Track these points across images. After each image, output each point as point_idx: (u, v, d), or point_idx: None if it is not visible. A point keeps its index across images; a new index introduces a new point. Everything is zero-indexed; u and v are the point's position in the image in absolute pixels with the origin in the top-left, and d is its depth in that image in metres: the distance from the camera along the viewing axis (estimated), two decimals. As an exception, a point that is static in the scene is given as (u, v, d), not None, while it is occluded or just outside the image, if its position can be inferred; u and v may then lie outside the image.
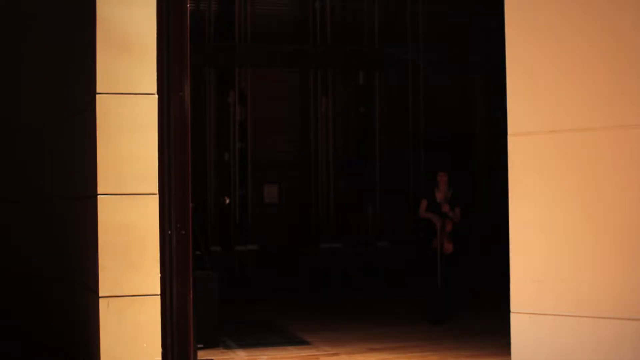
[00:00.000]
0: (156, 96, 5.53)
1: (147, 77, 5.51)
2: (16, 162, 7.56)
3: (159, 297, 5.50)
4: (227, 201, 12.16)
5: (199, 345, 6.77)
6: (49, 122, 6.93)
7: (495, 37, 6.58)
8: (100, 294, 5.35)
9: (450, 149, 12.24)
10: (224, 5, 12.19)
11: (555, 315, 5.38)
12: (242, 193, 12.26)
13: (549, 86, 5.43)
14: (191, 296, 5.78)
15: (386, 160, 12.52)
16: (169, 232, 5.71)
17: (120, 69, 5.45)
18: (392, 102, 12.57)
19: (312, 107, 12.51)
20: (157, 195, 5.52)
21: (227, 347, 7.49)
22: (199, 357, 6.54)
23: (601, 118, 5.22)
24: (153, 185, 5.51)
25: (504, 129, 5.64)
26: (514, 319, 5.53)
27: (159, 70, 5.56)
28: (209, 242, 11.14)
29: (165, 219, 5.67)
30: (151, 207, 5.50)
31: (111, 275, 5.37)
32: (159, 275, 5.50)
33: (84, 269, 5.91)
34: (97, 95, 5.43)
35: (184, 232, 5.75)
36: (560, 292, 5.36)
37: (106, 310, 5.35)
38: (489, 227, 12.68)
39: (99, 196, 5.39)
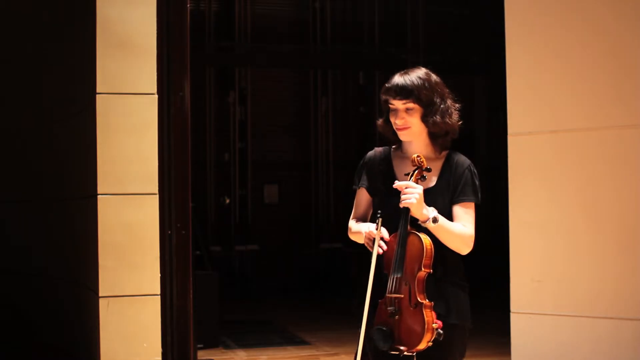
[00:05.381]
0: (156, 96, 5.53)
1: (147, 77, 5.51)
2: (16, 162, 7.56)
3: (159, 297, 5.50)
4: (227, 201, 12.16)
5: (199, 345, 6.77)
6: (49, 122, 6.93)
7: (495, 37, 6.59)
8: (100, 294, 5.35)
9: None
10: (224, 5, 12.20)
11: (555, 315, 5.38)
12: (242, 193, 12.26)
13: (549, 86, 5.43)
14: (191, 296, 5.78)
15: (386, 160, 12.50)
16: (169, 232, 5.71)
17: (120, 69, 5.45)
18: (392, 102, 12.56)
19: (312, 107, 12.51)
20: (157, 195, 5.52)
21: (227, 347, 7.49)
22: (199, 357, 6.55)
23: (601, 118, 5.22)
24: (153, 185, 5.51)
25: (504, 129, 5.64)
26: (514, 319, 5.53)
27: (159, 70, 5.56)
28: (209, 242, 11.14)
29: (165, 219, 5.67)
30: (151, 207, 5.50)
31: (111, 275, 5.38)
32: (159, 275, 5.51)
33: (84, 269, 5.91)
34: (97, 95, 5.43)
35: (184, 232, 5.75)
36: (560, 292, 5.36)
37: (106, 310, 5.35)
38: (488, 227, 12.69)
39: (99, 196, 5.39)
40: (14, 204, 7.56)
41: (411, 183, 3.02)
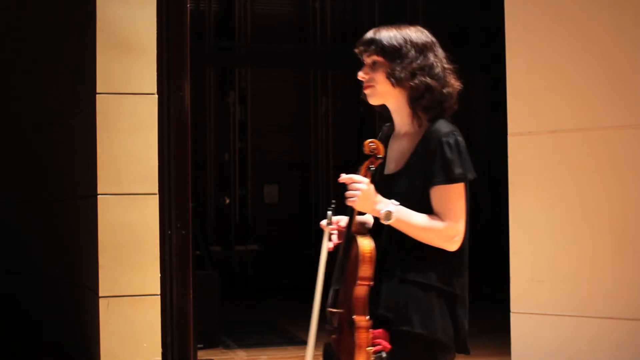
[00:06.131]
0: (156, 96, 5.53)
1: (147, 77, 5.50)
2: (16, 163, 7.56)
3: (159, 297, 5.50)
4: (227, 201, 12.16)
5: (199, 345, 6.77)
6: (48, 122, 6.94)
7: (495, 37, 6.58)
8: (100, 294, 5.34)
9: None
10: (224, 5, 12.20)
11: (555, 315, 5.38)
12: (242, 193, 12.26)
13: (549, 86, 5.43)
14: (191, 296, 5.78)
15: (386, 160, 12.51)
16: (169, 232, 5.71)
17: (120, 69, 5.45)
18: (392, 102, 12.57)
19: (312, 107, 12.51)
20: (157, 195, 5.52)
21: (227, 347, 7.49)
22: (199, 357, 6.54)
23: (601, 118, 5.22)
24: (153, 185, 5.51)
25: (504, 129, 5.64)
26: (514, 319, 5.53)
27: (159, 70, 5.56)
28: (209, 242, 11.13)
29: (165, 219, 5.67)
30: (151, 207, 5.50)
31: (111, 275, 5.37)
32: (159, 275, 5.51)
33: (84, 269, 5.91)
34: (97, 95, 5.43)
35: (184, 232, 5.75)
36: (560, 292, 5.36)
37: (106, 310, 5.35)
38: (488, 227, 12.68)
39: (99, 196, 5.39)
40: (14, 204, 7.56)
41: (355, 177, 2.56)
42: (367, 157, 2.61)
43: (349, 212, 2.60)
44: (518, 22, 5.55)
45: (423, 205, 2.57)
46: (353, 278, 2.52)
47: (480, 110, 12.88)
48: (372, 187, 2.55)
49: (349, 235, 2.59)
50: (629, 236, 5.13)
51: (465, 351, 2.64)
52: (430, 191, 2.56)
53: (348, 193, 2.56)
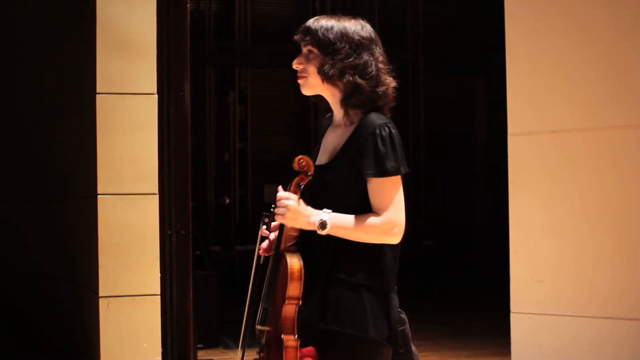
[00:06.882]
0: (156, 96, 5.53)
1: (147, 77, 5.50)
2: (16, 163, 7.56)
3: (159, 297, 5.50)
4: (227, 201, 12.17)
5: (199, 345, 6.77)
6: (48, 122, 6.94)
7: (496, 37, 6.58)
8: (100, 294, 5.35)
9: (450, 149, 12.25)
10: (224, 5, 12.20)
11: (555, 315, 5.38)
12: (242, 193, 12.27)
13: (549, 86, 5.43)
14: (191, 296, 5.78)
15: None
16: (169, 232, 5.71)
17: (120, 69, 5.45)
18: (392, 102, 12.56)
19: (312, 107, 12.51)
20: (157, 195, 5.52)
21: (227, 347, 7.48)
22: (199, 357, 6.54)
23: (601, 118, 5.22)
24: (153, 185, 5.51)
25: (504, 129, 5.64)
26: (514, 319, 5.53)
27: (159, 70, 5.56)
28: (209, 242, 11.14)
29: (165, 219, 5.67)
30: (151, 207, 5.50)
31: (111, 275, 5.38)
32: (159, 275, 5.51)
33: (84, 269, 5.91)
34: (97, 95, 5.43)
35: (184, 232, 5.75)
36: (561, 292, 5.36)
37: (106, 310, 5.35)
38: (488, 227, 12.68)
39: (99, 196, 5.39)
40: (14, 204, 7.56)
41: (284, 193, 2.56)
42: (297, 173, 2.56)
43: (279, 229, 2.58)
44: (518, 22, 5.54)
45: (350, 199, 2.54)
46: (282, 297, 2.49)
47: (480, 110, 12.87)
48: (302, 203, 2.54)
49: (277, 253, 2.55)
50: (629, 236, 5.13)
51: (398, 347, 2.60)
52: (367, 184, 2.52)
53: (276, 210, 2.55)
